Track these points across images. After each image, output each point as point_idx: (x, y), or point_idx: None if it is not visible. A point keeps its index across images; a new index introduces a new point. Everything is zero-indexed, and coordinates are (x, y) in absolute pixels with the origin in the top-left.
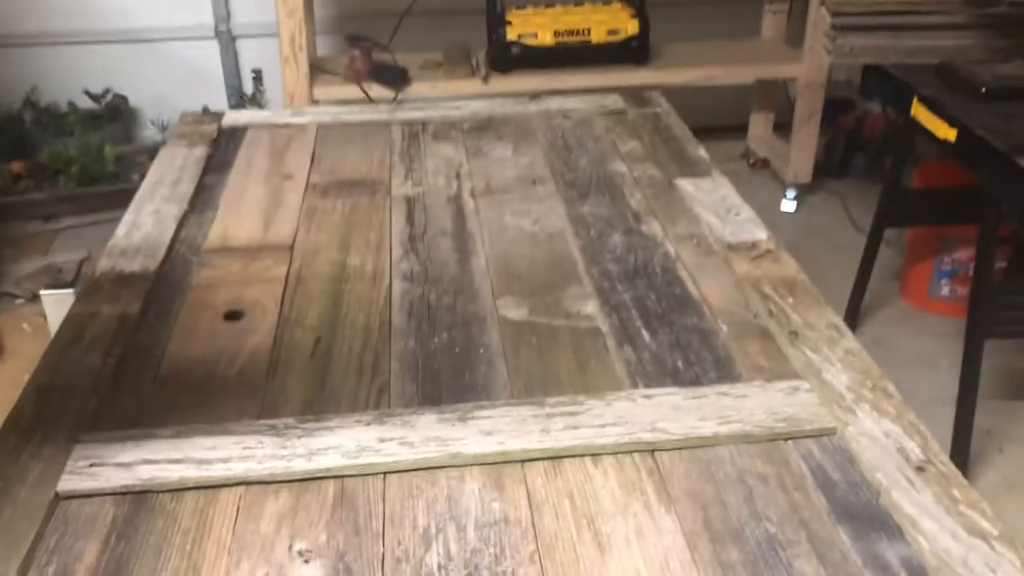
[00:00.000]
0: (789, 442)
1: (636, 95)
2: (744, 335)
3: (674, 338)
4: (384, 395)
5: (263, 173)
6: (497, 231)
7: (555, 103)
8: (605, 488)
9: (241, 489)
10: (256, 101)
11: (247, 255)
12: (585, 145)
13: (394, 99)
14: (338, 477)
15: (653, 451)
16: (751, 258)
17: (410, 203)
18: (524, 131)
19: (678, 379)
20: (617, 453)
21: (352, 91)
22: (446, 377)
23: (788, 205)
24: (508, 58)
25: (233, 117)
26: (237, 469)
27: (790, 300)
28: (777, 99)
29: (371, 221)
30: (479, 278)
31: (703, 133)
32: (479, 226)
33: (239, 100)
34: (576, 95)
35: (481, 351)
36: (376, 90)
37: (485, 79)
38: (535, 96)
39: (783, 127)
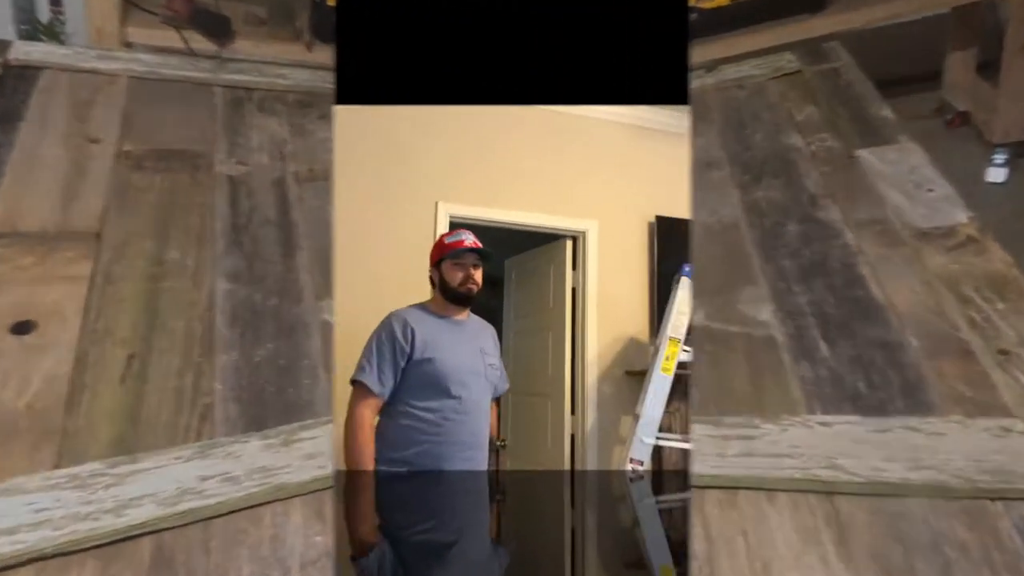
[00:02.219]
0: (998, 503)
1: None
2: (939, 352)
3: (855, 353)
4: (207, 422)
5: (62, 132)
6: (319, 222)
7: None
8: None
9: (35, 568)
10: (53, 32)
11: (42, 244)
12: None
13: (217, 55)
14: (154, 532)
15: (830, 493)
16: (947, 248)
17: (234, 184)
18: None
19: (859, 405)
20: (790, 491)
21: (170, 37)
22: (270, 395)
23: (997, 173)
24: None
25: (23, 50)
26: (29, 540)
27: (999, 306)
28: (981, 29)
29: (192, 203)
30: (303, 276)
31: (888, 86)
32: (302, 216)
33: (31, 27)
34: None
35: (305, 362)
36: (197, 40)
37: (308, 47)
38: None
39: (990, 67)
